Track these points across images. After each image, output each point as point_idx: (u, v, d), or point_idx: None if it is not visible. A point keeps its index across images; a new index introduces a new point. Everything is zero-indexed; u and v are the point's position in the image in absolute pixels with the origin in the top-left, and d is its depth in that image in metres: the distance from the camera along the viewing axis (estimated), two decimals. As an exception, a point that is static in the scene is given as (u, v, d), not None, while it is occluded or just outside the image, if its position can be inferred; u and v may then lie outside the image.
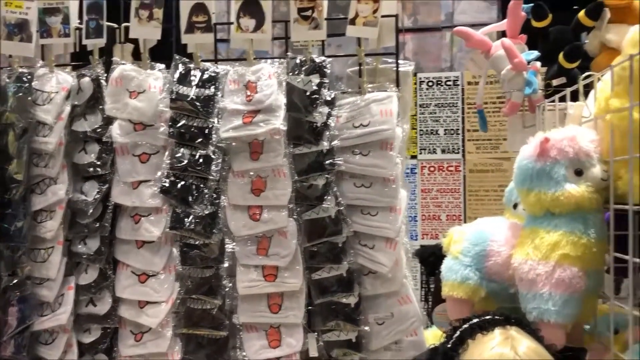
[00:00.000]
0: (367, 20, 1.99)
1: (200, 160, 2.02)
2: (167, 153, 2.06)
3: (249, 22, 2.04)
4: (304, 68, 2.02)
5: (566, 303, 1.54)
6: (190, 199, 2.02)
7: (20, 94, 2.15)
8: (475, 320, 1.48)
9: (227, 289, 2.04)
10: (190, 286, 2.06)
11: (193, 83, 2.06)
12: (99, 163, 2.13)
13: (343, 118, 2.02)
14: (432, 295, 2.09)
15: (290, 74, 2.03)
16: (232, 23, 2.07)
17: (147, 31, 2.11)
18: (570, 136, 1.60)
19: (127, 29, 2.20)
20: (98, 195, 2.11)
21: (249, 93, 2.01)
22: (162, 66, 2.15)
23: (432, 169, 4.28)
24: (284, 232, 1.99)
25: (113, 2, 2.29)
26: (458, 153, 4.23)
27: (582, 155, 1.58)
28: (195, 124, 2.04)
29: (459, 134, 4.23)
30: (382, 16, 2.01)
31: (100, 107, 2.14)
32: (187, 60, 2.11)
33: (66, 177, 2.13)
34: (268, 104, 1.98)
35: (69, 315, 2.11)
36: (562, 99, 1.95)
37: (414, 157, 4.26)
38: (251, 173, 2.02)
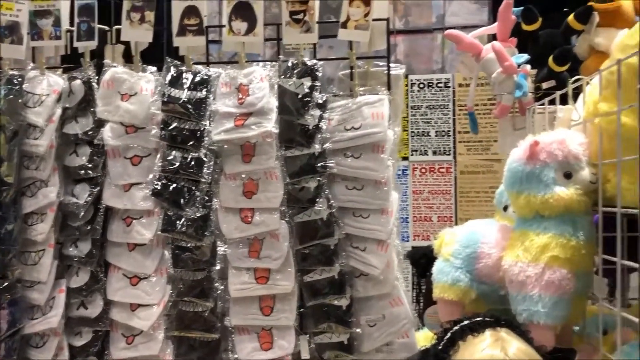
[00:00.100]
0: (359, 24, 2.00)
1: (192, 162, 2.02)
2: (158, 156, 2.06)
3: (240, 25, 2.04)
4: (295, 71, 2.02)
5: (555, 305, 1.55)
6: (182, 201, 2.02)
7: (11, 97, 2.14)
8: (465, 322, 1.49)
9: (219, 292, 2.04)
10: (182, 289, 2.05)
11: (185, 86, 2.06)
12: (90, 166, 2.12)
13: (335, 121, 2.03)
14: (424, 297, 2.10)
15: (282, 76, 2.03)
16: (224, 26, 2.08)
17: (139, 34, 2.11)
18: (559, 139, 1.61)
19: (118, 31, 2.20)
20: (89, 198, 2.10)
21: (240, 96, 2.01)
22: (154, 69, 2.14)
23: (423, 170, 4.29)
24: (276, 234, 1.99)
25: (103, 4, 2.28)
26: (449, 155, 4.25)
27: (571, 158, 1.59)
28: (187, 127, 2.04)
29: (450, 135, 4.25)
30: (374, 20, 2.02)
31: (92, 109, 2.13)
32: (179, 63, 2.11)
33: (57, 179, 2.12)
34: (260, 107, 1.99)
35: (60, 318, 2.10)
36: (552, 102, 1.97)
37: (405, 158, 4.27)
38: (243, 175, 2.02)
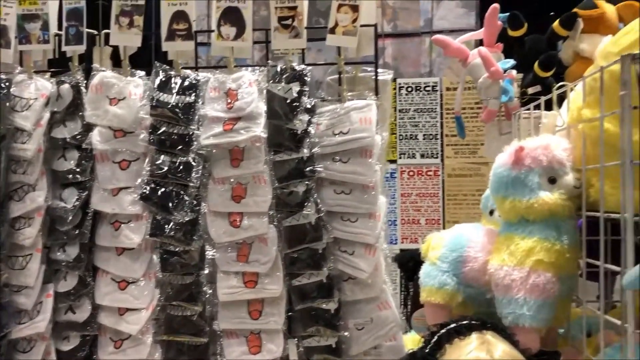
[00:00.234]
0: (347, 30, 2.02)
1: (181, 167, 2.03)
2: (147, 160, 2.06)
3: (229, 30, 2.05)
4: (284, 76, 2.04)
5: (540, 308, 1.57)
6: (170, 205, 2.03)
7: (-2, 100, 2.13)
8: (452, 325, 1.51)
9: (207, 296, 2.05)
10: (171, 293, 2.06)
11: (173, 90, 2.06)
12: (78, 170, 2.12)
13: (323, 125, 2.04)
14: (411, 300, 2.12)
15: (271, 81, 2.04)
16: (212, 31, 2.08)
17: (128, 38, 2.11)
18: (544, 145, 1.64)
19: (107, 35, 2.20)
20: (77, 202, 2.10)
21: (229, 100, 2.02)
22: (143, 73, 2.15)
23: (411, 173, 4.32)
24: (264, 238, 2.00)
25: (91, 7, 2.28)
26: (437, 158, 4.28)
27: (555, 163, 1.62)
28: (175, 131, 2.04)
29: (437, 139, 4.28)
30: (361, 26, 2.04)
31: (80, 113, 2.13)
32: (168, 67, 2.11)
33: (45, 184, 2.12)
34: (249, 112, 2.00)
35: (47, 323, 2.09)
36: (538, 107, 1.99)
37: (393, 161, 4.30)
38: (231, 180, 2.03)
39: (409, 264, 2.15)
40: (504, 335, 1.49)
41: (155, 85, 2.08)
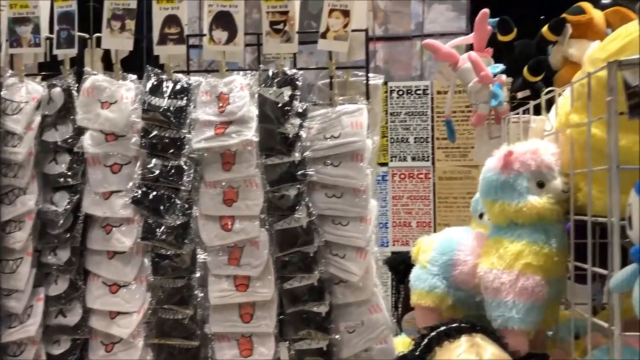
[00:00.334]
0: (338, 35, 2.03)
1: (172, 171, 2.03)
2: (138, 164, 2.06)
3: (221, 35, 2.06)
4: (276, 80, 2.04)
5: (529, 311, 1.59)
6: (162, 209, 2.03)
7: (-11, 104, 2.13)
8: (442, 328, 1.53)
9: (198, 299, 2.05)
10: (162, 296, 2.06)
11: (165, 94, 2.06)
12: (69, 173, 2.11)
13: (314, 129, 2.05)
14: (402, 303, 2.13)
15: (263, 85, 2.05)
16: (204, 35, 2.09)
17: (120, 42, 2.11)
18: (532, 149, 1.66)
19: (98, 39, 2.20)
20: (68, 206, 2.10)
21: (221, 104, 2.03)
22: (134, 77, 2.15)
23: (402, 176, 4.34)
24: (256, 242, 2.00)
25: (83, 9, 2.28)
26: (428, 161, 4.30)
27: (543, 168, 1.64)
28: (167, 135, 2.05)
29: (428, 142, 4.31)
30: (353, 30, 2.05)
31: (72, 117, 2.13)
32: (159, 71, 2.12)
33: (36, 187, 2.11)
34: (240, 116, 2.00)
35: (37, 327, 2.08)
36: (527, 112, 2.01)
37: (384, 164, 4.32)
38: (223, 183, 2.03)
39: (400, 267, 2.17)
40: (493, 338, 1.51)
41: (147, 89, 2.08)
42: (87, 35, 2.28)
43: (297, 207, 1.99)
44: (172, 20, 2.09)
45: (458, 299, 1.82)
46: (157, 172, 2.03)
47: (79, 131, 2.13)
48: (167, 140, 2.04)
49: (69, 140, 2.13)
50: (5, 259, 2.11)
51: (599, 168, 1.43)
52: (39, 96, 2.15)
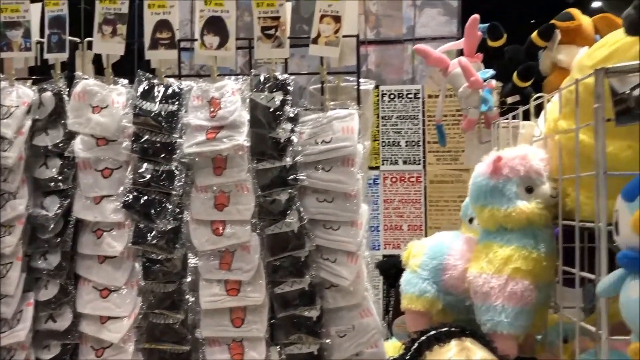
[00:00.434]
0: (329, 40, 2.04)
1: (163, 175, 2.03)
2: (130, 168, 2.06)
3: (213, 40, 2.06)
4: (267, 85, 2.05)
5: (518, 315, 1.61)
6: (153, 214, 2.03)
7: (-21, 108, 2.11)
8: (432, 332, 1.54)
9: (189, 304, 2.05)
10: (153, 301, 2.05)
11: (157, 99, 2.06)
12: (60, 178, 2.11)
13: (306, 134, 2.05)
14: (393, 307, 2.14)
15: (254, 90, 2.05)
16: (196, 40, 2.10)
17: (111, 47, 2.11)
18: (521, 155, 1.67)
19: (89, 43, 2.20)
20: (59, 211, 2.09)
21: (212, 109, 2.03)
22: (126, 81, 2.14)
23: (394, 179, 4.36)
24: (247, 246, 2.01)
25: (74, 12, 2.28)
26: (419, 164, 4.32)
27: (532, 173, 1.66)
28: (158, 140, 2.04)
29: (419, 145, 4.33)
30: (344, 36, 2.06)
31: (62, 121, 2.12)
32: (151, 75, 2.12)
33: (26, 192, 2.10)
34: (232, 120, 2.01)
35: (27, 332, 2.07)
36: (516, 117, 2.03)
37: (376, 168, 4.33)
38: (214, 188, 2.03)
39: (391, 271, 2.18)
40: (482, 342, 1.53)
41: (138, 94, 2.08)
42: (78, 40, 2.27)
43: (288, 212, 2.00)
44: (163, 25, 2.09)
45: (448, 303, 1.83)
46: (148, 176, 2.03)
47: (70, 135, 2.12)
48: (158, 145, 2.04)
49: (60, 145, 2.13)
50: (-5, 264, 2.10)
51: (586, 174, 1.44)
52: (30, 100, 2.14)
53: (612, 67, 1.35)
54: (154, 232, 2.03)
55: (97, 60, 2.26)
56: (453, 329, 1.54)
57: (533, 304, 1.63)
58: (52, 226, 2.08)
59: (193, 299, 2.04)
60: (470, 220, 1.96)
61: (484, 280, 1.64)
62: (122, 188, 2.06)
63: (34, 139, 2.14)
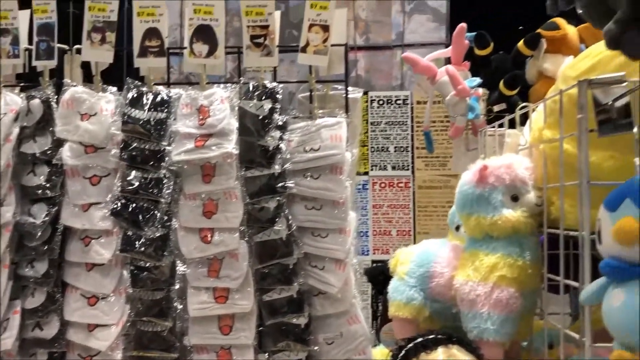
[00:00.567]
0: (318, 49, 2.06)
1: (152, 183, 2.03)
2: (118, 176, 2.06)
3: (202, 48, 2.07)
4: (256, 93, 2.06)
5: (504, 322, 1.63)
6: (141, 221, 2.02)
7: (-34, 115, 2.11)
8: (419, 340, 1.56)
9: (177, 311, 2.04)
10: (141, 308, 2.05)
11: (145, 106, 2.06)
12: (48, 185, 2.10)
13: (294, 142, 2.07)
14: (380, 314, 2.15)
15: (243, 98, 2.06)
16: (185, 48, 2.10)
17: (100, 54, 2.11)
18: (507, 164, 1.70)
19: (78, 50, 2.20)
20: (47, 218, 2.08)
21: (201, 117, 2.04)
22: (114, 89, 2.15)
23: (382, 185, 4.37)
24: (235, 254, 2.01)
25: (62, 18, 2.28)
26: (408, 170, 4.34)
27: (518, 182, 1.68)
28: (147, 147, 2.05)
29: (408, 151, 4.35)
30: (332, 45, 2.08)
31: (50, 129, 2.12)
32: (140, 83, 2.12)
33: (13, 199, 2.09)
34: (220, 128, 2.01)
35: (14, 340, 2.06)
36: (503, 125, 2.06)
37: (365, 173, 4.34)
38: (203, 196, 2.04)
39: (379, 278, 2.20)
40: (469, 349, 1.54)
41: (127, 101, 2.08)
42: (66, 47, 2.27)
43: (276, 219, 2.01)
44: (152, 33, 2.09)
45: (435, 311, 1.84)
46: (137, 184, 2.03)
47: (58, 143, 2.12)
48: (147, 153, 2.04)
49: (48, 152, 2.12)
50: (-18, 272, 2.09)
51: (570, 183, 1.46)
52: (18, 108, 2.14)
53: (595, 78, 1.38)
54: (142, 240, 2.02)
55: (86, 66, 2.26)
56: (440, 336, 1.55)
57: (519, 311, 1.64)
58: (39, 234, 2.07)
59: (181, 306, 2.04)
60: (457, 228, 1.98)
61: (470, 288, 1.66)
62: (110, 195, 2.06)
63: (21, 147, 2.13)
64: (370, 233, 4.34)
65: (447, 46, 2.53)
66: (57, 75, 2.21)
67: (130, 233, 2.04)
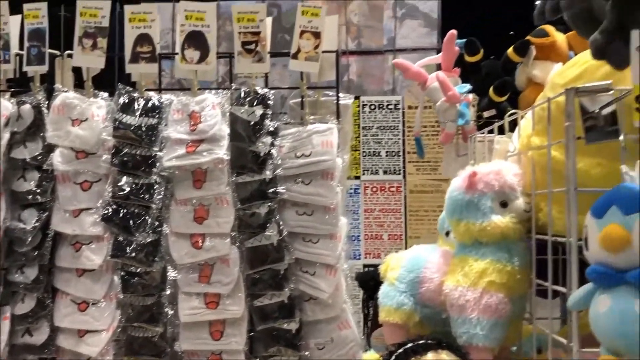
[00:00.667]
0: (309, 56, 2.07)
1: (143, 188, 2.03)
2: (109, 181, 2.06)
3: (193, 54, 2.08)
4: (247, 99, 2.07)
5: (493, 327, 1.63)
6: (132, 227, 2.03)
7: (-43, 120, 2.10)
8: (409, 345, 1.57)
9: (168, 317, 2.05)
10: (132, 314, 2.05)
11: (137, 112, 2.07)
12: (38, 191, 2.10)
13: (286, 148, 2.08)
14: (371, 319, 2.16)
15: (234, 104, 2.07)
16: (176, 54, 2.11)
17: (91, 60, 2.11)
18: (496, 170, 1.71)
19: (69, 55, 2.20)
20: (37, 224, 2.08)
21: (192, 123, 2.04)
22: (106, 94, 2.15)
23: (374, 189, 4.38)
24: (226, 259, 2.02)
25: (54, 22, 2.27)
26: (399, 174, 4.35)
27: (506, 188, 1.69)
28: (138, 153, 2.05)
29: (400, 155, 4.36)
30: (323, 51, 2.09)
31: (41, 134, 2.12)
32: (131, 89, 2.12)
33: (3, 204, 2.09)
34: (212, 134, 2.02)
35: (3, 346, 2.06)
36: (492, 131, 2.07)
37: (357, 177, 4.36)
38: (194, 201, 2.04)
39: (370, 283, 2.20)
40: (458, 354, 1.55)
41: (118, 107, 2.08)
42: (58, 52, 2.27)
43: (267, 225, 2.01)
44: (144, 38, 2.10)
45: (425, 316, 1.85)
46: (128, 189, 2.03)
47: (49, 148, 2.12)
48: (138, 158, 2.05)
49: (39, 158, 2.12)
50: (-29, 277, 2.08)
51: (558, 190, 1.48)
52: (8, 113, 2.14)
53: (582, 86, 1.39)
54: (133, 245, 2.03)
55: (77, 70, 2.26)
56: (430, 341, 1.56)
57: (507, 316, 1.65)
58: (29, 239, 2.07)
59: (172, 312, 2.04)
60: (447, 234, 1.99)
61: (460, 293, 1.67)
62: (101, 201, 2.06)
63: (12, 152, 2.13)
64: (362, 237, 4.35)
65: (438, 51, 2.55)
66: (48, 80, 2.21)
67: (121, 239, 2.04)
